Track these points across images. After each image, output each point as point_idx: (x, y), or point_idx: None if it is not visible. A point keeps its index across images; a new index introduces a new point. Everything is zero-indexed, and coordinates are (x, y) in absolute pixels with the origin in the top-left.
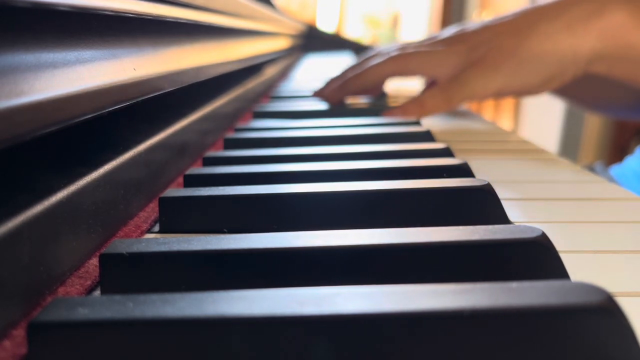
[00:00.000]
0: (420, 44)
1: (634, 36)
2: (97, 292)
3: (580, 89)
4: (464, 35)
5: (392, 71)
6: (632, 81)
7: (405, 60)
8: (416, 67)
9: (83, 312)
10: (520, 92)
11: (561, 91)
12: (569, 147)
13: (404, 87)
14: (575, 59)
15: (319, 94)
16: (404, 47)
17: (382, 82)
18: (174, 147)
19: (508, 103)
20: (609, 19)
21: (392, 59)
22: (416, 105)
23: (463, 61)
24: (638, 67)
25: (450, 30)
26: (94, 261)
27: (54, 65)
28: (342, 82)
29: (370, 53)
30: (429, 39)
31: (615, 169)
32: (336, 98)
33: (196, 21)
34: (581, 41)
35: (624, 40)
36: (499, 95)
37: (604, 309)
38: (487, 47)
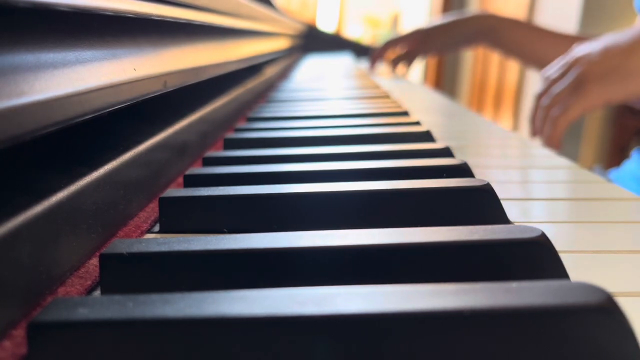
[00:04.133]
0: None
1: None
2: (97, 292)
3: None
4: (571, 68)
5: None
6: None
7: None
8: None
9: (83, 312)
10: (627, 100)
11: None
12: (569, 147)
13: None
14: None
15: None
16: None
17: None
18: (174, 147)
19: (508, 103)
20: None
21: (584, 101)
22: (551, 126)
23: (574, 87)
24: None
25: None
26: (94, 261)
27: (54, 65)
28: (552, 124)
29: None
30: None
31: (614, 173)
32: (556, 142)
33: (196, 21)
34: None
35: None
36: (607, 104)
37: (604, 309)
38: (597, 65)
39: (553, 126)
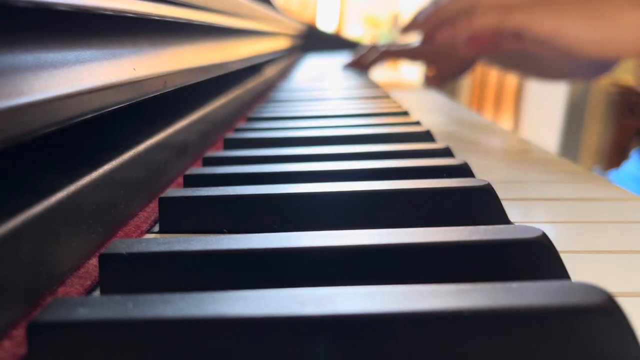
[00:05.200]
0: None
1: None
2: (97, 292)
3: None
4: None
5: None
6: None
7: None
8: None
9: (83, 312)
10: (575, 45)
11: (509, 63)
12: (569, 147)
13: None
14: (637, 37)
15: (410, 28)
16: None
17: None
18: (174, 147)
19: (508, 103)
20: None
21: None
22: (465, 21)
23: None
24: None
25: None
26: (94, 261)
27: (53, 65)
28: (452, 25)
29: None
30: None
31: (613, 174)
32: (441, 41)
33: (196, 21)
34: None
35: None
36: (553, 38)
37: (604, 309)
38: None
39: (482, 16)
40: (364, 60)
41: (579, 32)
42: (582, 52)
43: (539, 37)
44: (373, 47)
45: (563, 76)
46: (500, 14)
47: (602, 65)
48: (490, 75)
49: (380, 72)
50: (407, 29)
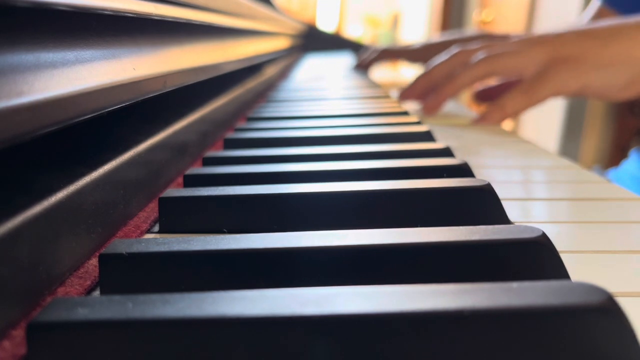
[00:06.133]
0: (501, 44)
1: None
2: (97, 292)
3: None
4: (546, 37)
5: (484, 74)
6: None
7: (496, 61)
8: (505, 68)
9: (83, 312)
10: (602, 93)
11: None
12: (569, 147)
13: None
14: None
15: (408, 96)
16: (485, 47)
17: (472, 85)
18: (174, 147)
19: None
20: None
21: (483, 62)
22: (497, 110)
23: (548, 59)
24: None
25: (519, 36)
26: (94, 261)
27: (53, 65)
28: (437, 93)
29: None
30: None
31: (612, 173)
32: (436, 109)
33: (196, 21)
34: None
35: None
36: (580, 93)
37: (605, 309)
38: (572, 46)
39: (513, 99)
40: (367, 61)
41: (600, 83)
42: (612, 98)
43: (569, 95)
44: (383, 51)
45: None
46: (527, 95)
47: None
48: None
49: (380, 72)
50: (402, 97)
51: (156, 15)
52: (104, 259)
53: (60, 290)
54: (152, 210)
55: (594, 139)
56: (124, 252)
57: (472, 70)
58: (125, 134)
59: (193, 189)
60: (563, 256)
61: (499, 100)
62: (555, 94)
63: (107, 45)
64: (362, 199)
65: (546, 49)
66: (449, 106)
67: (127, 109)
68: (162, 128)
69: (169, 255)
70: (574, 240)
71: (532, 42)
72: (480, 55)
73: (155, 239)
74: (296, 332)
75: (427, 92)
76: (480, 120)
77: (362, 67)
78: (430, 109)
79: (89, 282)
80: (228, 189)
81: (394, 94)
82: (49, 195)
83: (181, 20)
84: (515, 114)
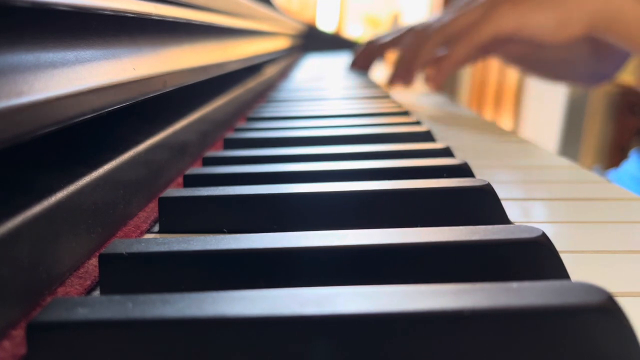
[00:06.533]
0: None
1: (627, 4)
2: (97, 292)
3: (539, 63)
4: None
5: (442, 40)
6: (624, 43)
7: (447, 25)
8: (455, 27)
9: (82, 312)
10: (536, 34)
11: (526, 66)
12: (569, 147)
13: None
14: (581, 12)
15: (391, 79)
16: (435, 21)
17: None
18: (174, 147)
19: (508, 103)
20: None
21: (437, 32)
22: (445, 61)
23: (489, 5)
24: (630, 31)
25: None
26: (94, 261)
27: (53, 65)
28: (406, 68)
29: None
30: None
31: (612, 174)
32: (409, 80)
33: (196, 21)
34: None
35: (618, 6)
36: (517, 33)
37: (604, 309)
38: None
39: (457, 48)
40: (361, 59)
41: (536, 22)
42: (544, 40)
43: (507, 35)
44: (368, 44)
45: (563, 78)
46: (468, 39)
47: (601, 74)
48: (490, 74)
49: (381, 73)
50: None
51: (156, 15)
52: (104, 259)
53: (60, 290)
54: (152, 210)
55: (593, 139)
56: (124, 252)
57: (431, 40)
58: (125, 134)
59: (193, 189)
60: (563, 256)
61: (438, 62)
62: (494, 33)
63: (107, 45)
64: (362, 199)
65: (489, 0)
66: (449, 106)
67: (127, 109)
68: (162, 128)
69: (169, 255)
70: (574, 240)
71: (470, 3)
72: (434, 26)
73: (155, 239)
74: (296, 332)
75: (399, 75)
76: (433, 79)
77: (357, 67)
78: (403, 80)
79: (89, 282)
80: (228, 189)
81: (394, 94)
82: (49, 195)
83: (181, 20)
84: (462, 61)
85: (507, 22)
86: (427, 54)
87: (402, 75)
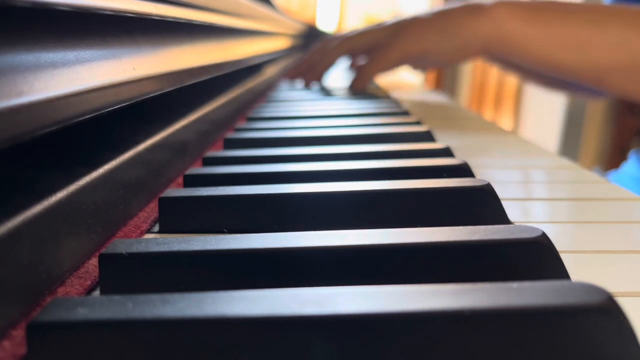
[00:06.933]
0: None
1: (511, 25)
2: (97, 292)
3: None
4: (396, 20)
5: (343, 52)
6: (519, 60)
7: (350, 40)
8: (358, 44)
9: (83, 312)
10: (438, 56)
11: (523, 73)
12: (569, 147)
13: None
14: (475, 38)
15: (294, 75)
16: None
17: (334, 63)
18: (174, 147)
19: (508, 103)
20: (493, 12)
21: (341, 43)
22: (358, 78)
23: (395, 30)
24: (518, 47)
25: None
26: (94, 261)
27: (53, 65)
28: (311, 69)
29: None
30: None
31: (612, 175)
32: (296, 76)
33: (196, 21)
34: (477, 24)
35: (504, 27)
36: (425, 53)
37: (604, 309)
38: (416, 21)
39: (370, 65)
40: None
41: (437, 47)
42: (446, 61)
43: (414, 56)
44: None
45: (562, 88)
46: (377, 61)
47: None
48: (490, 75)
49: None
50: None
51: (156, 15)
52: (104, 259)
53: (60, 290)
54: (152, 210)
55: (593, 139)
56: (124, 252)
57: (333, 51)
58: (125, 134)
59: (193, 189)
60: (563, 256)
61: (358, 70)
62: (402, 56)
63: (107, 45)
64: (362, 199)
65: (396, 23)
66: (449, 106)
67: (127, 109)
68: (162, 128)
69: (169, 255)
70: (573, 240)
71: (381, 24)
72: (339, 39)
73: (155, 239)
74: (296, 332)
75: (303, 74)
76: (353, 84)
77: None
78: (305, 80)
79: (89, 282)
80: (228, 189)
81: (395, 94)
82: (49, 195)
83: (181, 20)
84: (375, 74)
85: (411, 45)
86: (327, 62)
87: (303, 74)
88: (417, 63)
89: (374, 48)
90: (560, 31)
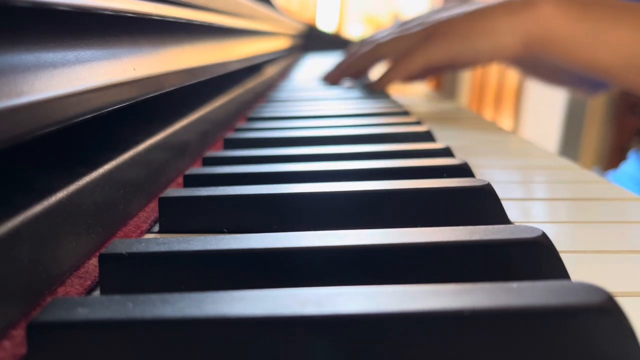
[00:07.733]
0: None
1: (557, 23)
2: (97, 292)
3: (537, 68)
4: (431, 22)
5: (372, 59)
6: (562, 61)
7: (379, 47)
8: (387, 50)
9: (83, 312)
10: (470, 61)
11: (525, 68)
12: (569, 147)
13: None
14: (514, 37)
15: (331, 80)
16: (376, 37)
17: (370, 67)
18: (174, 147)
19: (508, 103)
20: (539, 8)
21: (374, 48)
22: (380, 79)
23: (423, 36)
24: (564, 48)
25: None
26: (94, 261)
27: (53, 65)
28: (341, 69)
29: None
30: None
31: (612, 175)
32: (337, 79)
33: (196, 21)
34: (518, 23)
35: (549, 25)
36: (453, 62)
37: (604, 309)
38: (444, 24)
39: (390, 72)
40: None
41: (470, 50)
42: (482, 63)
43: (441, 64)
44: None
45: (562, 83)
46: (400, 65)
47: (599, 82)
48: (490, 75)
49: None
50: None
51: (156, 15)
52: (104, 259)
53: (60, 290)
54: (152, 210)
55: (593, 139)
56: (124, 252)
57: (364, 56)
58: (125, 134)
59: (193, 189)
60: (563, 256)
61: (383, 73)
62: (428, 62)
63: (107, 45)
64: (362, 199)
65: (423, 28)
66: (449, 106)
67: (127, 109)
68: (162, 128)
69: (169, 255)
70: (573, 240)
71: (416, 26)
72: (369, 44)
73: (155, 239)
74: (296, 332)
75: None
76: (372, 85)
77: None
78: (331, 80)
79: (89, 282)
80: (228, 189)
81: (395, 94)
82: (49, 195)
83: (181, 20)
84: (388, 83)
85: (439, 53)
86: (357, 65)
87: (332, 75)
88: (441, 71)
89: (400, 54)
90: (610, 33)
